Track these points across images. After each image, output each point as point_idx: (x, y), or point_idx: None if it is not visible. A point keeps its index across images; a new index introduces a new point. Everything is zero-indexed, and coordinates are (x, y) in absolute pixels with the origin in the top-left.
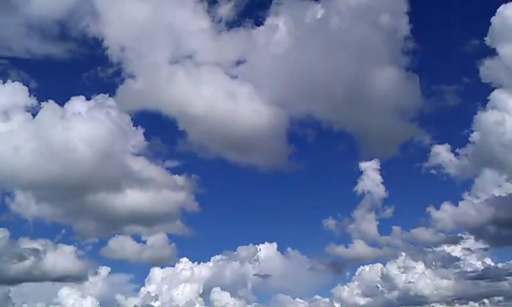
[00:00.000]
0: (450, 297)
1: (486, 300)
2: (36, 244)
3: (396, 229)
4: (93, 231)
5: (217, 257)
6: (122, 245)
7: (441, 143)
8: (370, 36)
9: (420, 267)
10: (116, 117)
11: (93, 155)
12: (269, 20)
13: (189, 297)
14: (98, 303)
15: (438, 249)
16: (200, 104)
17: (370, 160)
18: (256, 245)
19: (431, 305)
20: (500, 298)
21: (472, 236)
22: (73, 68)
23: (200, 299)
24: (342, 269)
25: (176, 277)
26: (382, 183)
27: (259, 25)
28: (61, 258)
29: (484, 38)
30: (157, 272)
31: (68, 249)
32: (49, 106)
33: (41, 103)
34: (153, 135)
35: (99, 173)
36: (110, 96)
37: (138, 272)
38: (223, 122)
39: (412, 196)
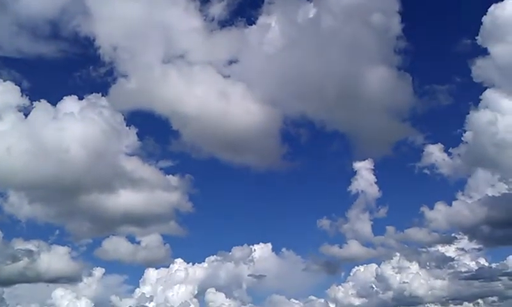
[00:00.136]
0: (445, 297)
1: (480, 301)
2: (30, 245)
3: (390, 229)
4: (87, 231)
5: (212, 258)
6: (116, 246)
7: (434, 143)
8: (362, 36)
9: (414, 267)
10: (108, 117)
11: (86, 155)
12: (262, 19)
13: (183, 298)
14: (93, 304)
15: (432, 249)
16: (192, 104)
17: (364, 160)
18: (251, 246)
19: (426, 305)
20: (494, 298)
21: (466, 236)
22: (65, 67)
23: (195, 300)
24: (337, 269)
25: (170, 278)
26: (376, 182)
27: (251, 25)
28: (55, 259)
29: (476, 38)
30: (151, 273)
31: (62, 250)
32: (41, 106)
33: (34, 103)
34: (146, 135)
35: (92, 173)
36: (102, 95)
37: (132, 273)
38: (215, 122)
39: (406, 196)
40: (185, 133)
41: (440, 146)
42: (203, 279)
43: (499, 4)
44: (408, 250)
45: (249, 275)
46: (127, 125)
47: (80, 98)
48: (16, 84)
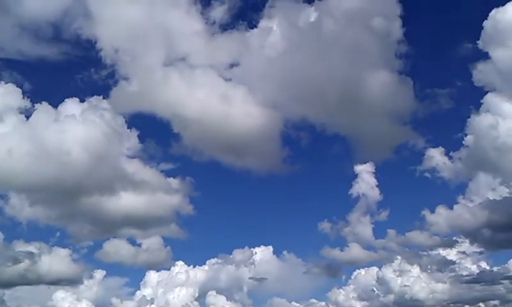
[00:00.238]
0: (446, 300)
1: (481, 304)
2: (31, 247)
3: (391, 232)
4: (88, 234)
5: (213, 260)
6: (117, 248)
7: (435, 146)
8: (363, 39)
9: (415, 270)
10: (110, 119)
11: (87, 157)
12: (263, 23)
13: (184, 301)
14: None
15: (433, 252)
16: (193, 107)
17: (365, 163)
18: (252, 249)
19: None
20: (496, 302)
21: (467, 240)
22: (67, 69)
23: (196, 303)
24: (338, 273)
25: (171, 281)
26: (377, 186)
27: (253, 28)
28: (56, 261)
29: (477, 42)
30: (152, 276)
31: (63, 252)
32: (43, 108)
33: (35, 105)
34: (147, 138)
35: (93, 175)
36: (104, 98)
37: (133, 275)
38: (217, 125)
39: (407, 199)
40: (186, 136)
41: (441, 149)
42: (204, 281)
43: (500, 9)
44: (409, 253)
45: (250, 278)
46: (128, 128)
47: (82, 101)
48: (17, 86)
